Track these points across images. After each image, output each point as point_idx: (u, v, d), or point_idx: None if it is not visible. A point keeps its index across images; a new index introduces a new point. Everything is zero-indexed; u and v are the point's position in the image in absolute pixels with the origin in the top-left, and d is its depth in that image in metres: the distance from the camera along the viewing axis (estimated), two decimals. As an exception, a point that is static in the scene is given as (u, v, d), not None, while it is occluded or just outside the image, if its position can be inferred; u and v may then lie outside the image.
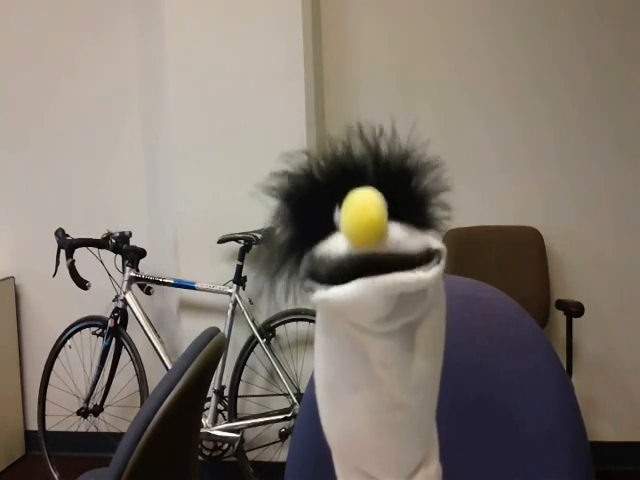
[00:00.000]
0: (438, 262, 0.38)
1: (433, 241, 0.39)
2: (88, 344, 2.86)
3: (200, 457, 2.58)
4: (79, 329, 2.65)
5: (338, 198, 0.37)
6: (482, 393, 0.77)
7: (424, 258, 0.38)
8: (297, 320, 2.52)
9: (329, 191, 0.38)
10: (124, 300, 2.58)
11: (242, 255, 2.51)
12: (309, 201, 0.39)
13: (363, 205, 0.35)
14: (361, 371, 0.42)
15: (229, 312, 2.52)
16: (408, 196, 0.38)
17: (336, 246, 0.37)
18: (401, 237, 0.37)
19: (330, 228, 0.38)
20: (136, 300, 2.58)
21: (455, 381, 0.76)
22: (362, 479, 0.45)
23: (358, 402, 0.43)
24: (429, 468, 0.46)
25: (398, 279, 0.36)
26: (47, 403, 2.72)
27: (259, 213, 2.52)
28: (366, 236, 0.35)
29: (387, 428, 0.43)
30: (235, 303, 2.52)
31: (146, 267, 2.68)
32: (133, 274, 2.58)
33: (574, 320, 2.44)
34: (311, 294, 0.38)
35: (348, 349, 0.42)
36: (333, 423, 0.45)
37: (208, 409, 2.50)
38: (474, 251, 2.58)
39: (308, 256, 0.38)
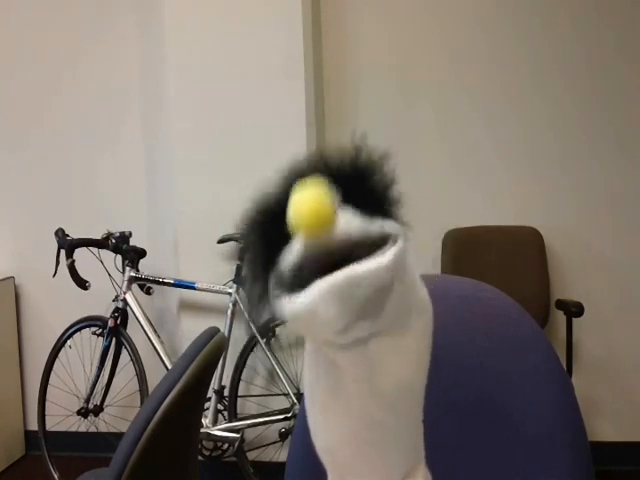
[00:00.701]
0: (394, 243, 0.37)
1: (389, 225, 0.38)
2: (88, 344, 2.86)
3: (200, 457, 2.58)
4: (79, 329, 2.65)
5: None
6: (482, 393, 0.77)
7: (380, 243, 0.37)
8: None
9: (285, 209, 0.38)
10: (124, 300, 2.58)
11: (242, 255, 2.50)
12: (269, 221, 0.39)
13: (305, 192, 0.35)
14: (336, 388, 0.41)
15: (229, 312, 2.52)
16: (362, 194, 0.39)
17: (292, 249, 0.37)
18: (352, 222, 0.36)
19: (287, 241, 0.38)
20: (136, 300, 2.58)
21: (455, 381, 0.76)
22: None
23: (336, 419, 0.42)
24: (416, 478, 0.45)
25: (351, 272, 0.35)
26: (47, 403, 2.72)
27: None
28: (313, 219, 0.35)
29: (366, 446, 0.43)
30: (235, 303, 2.52)
31: (146, 267, 2.68)
32: (133, 274, 2.58)
33: (574, 320, 2.44)
34: (280, 307, 0.37)
35: (323, 366, 0.41)
36: (316, 435, 0.45)
37: (208, 409, 2.50)
38: (474, 251, 2.58)
39: (274, 270, 0.38)
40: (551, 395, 0.75)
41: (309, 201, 0.35)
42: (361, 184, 0.39)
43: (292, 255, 0.37)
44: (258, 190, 0.41)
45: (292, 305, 0.36)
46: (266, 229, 0.39)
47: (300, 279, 0.36)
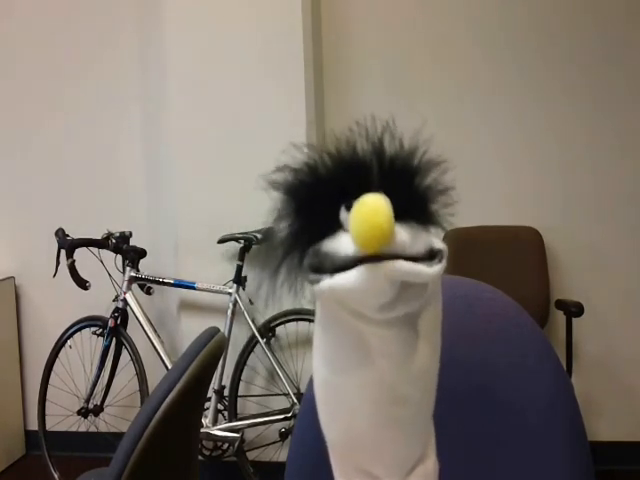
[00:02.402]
0: (440, 261, 0.39)
1: (436, 241, 0.40)
2: (88, 344, 2.86)
3: (200, 457, 2.58)
4: (79, 329, 2.65)
5: (343, 196, 0.38)
6: (482, 393, 0.77)
7: (427, 257, 0.39)
8: (297, 320, 2.52)
9: (333, 187, 0.39)
10: (124, 300, 2.58)
11: (242, 255, 2.51)
12: (313, 196, 0.39)
13: (373, 213, 0.36)
14: (363, 364, 0.42)
15: (229, 312, 2.52)
16: (412, 194, 0.39)
17: (343, 246, 0.38)
18: (407, 240, 0.38)
19: (333, 224, 0.39)
20: (136, 300, 2.58)
21: (455, 381, 0.76)
22: (361, 478, 0.45)
23: (360, 397, 0.43)
24: (427, 463, 0.46)
25: (400, 265, 0.37)
26: (47, 403, 2.72)
27: (259, 213, 2.52)
28: (375, 242, 0.36)
29: (389, 422, 0.44)
30: (235, 303, 2.52)
31: (146, 267, 2.68)
32: (133, 274, 2.59)
33: (574, 320, 2.44)
34: (315, 285, 0.38)
35: (349, 342, 0.42)
36: (333, 421, 0.45)
37: (208, 409, 2.50)
38: (474, 251, 2.58)
39: (312, 250, 0.39)
40: (550, 395, 0.76)
41: (375, 223, 0.36)
42: (411, 185, 0.40)
43: (343, 250, 0.37)
44: (306, 158, 0.41)
45: (340, 277, 0.37)
46: (310, 203, 0.39)
47: (347, 267, 0.37)
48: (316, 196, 0.39)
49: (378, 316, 0.39)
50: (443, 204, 0.40)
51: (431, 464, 0.47)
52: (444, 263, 0.39)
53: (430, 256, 0.39)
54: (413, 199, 0.39)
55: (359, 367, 0.42)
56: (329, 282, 0.37)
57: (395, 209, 0.36)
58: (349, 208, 0.37)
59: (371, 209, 0.36)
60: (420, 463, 0.46)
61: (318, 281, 0.38)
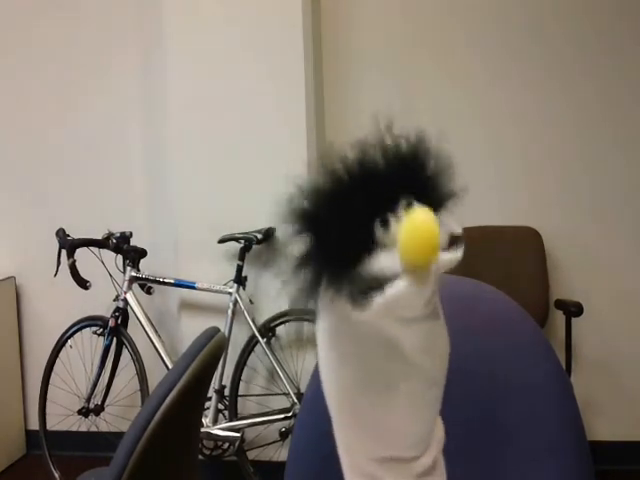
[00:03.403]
0: (460, 244, 0.40)
1: (454, 227, 0.41)
2: (89, 344, 2.87)
3: (200, 456, 2.58)
4: (80, 329, 2.65)
5: (370, 211, 0.38)
6: (481, 393, 0.77)
7: (451, 243, 0.40)
8: (297, 320, 2.53)
9: (359, 206, 0.38)
10: (125, 300, 2.58)
11: (242, 255, 2.52)
12: (341, 218, 0.38)
13: (424, 232, 0.37)
14: (393, 368, 0.43)
15: (229, 312, 2.53)
16: (427, 185, 0.40)
17: (386, 265, 0.37)
18: (442, 238, 0.39)
19: (366, 243, 0.38)
20: (137, 300, 2.58)
21: (454, 381, 0.76)
22: (381, 464, 0.46)
23: (399, 397, 0.44)
24: (438, 433, 0.48)
25: (442, 261, 0.38)
26: (48, 402, 2.72)
27: (259, 213, 2.52)
28: (428, 260, 0.37)
29: (427, 408, 0.45)
30: (235, 303, 2.52)
31: (147, 267, 2.68)
32: (134, 274, 2.59)
33: (573, 320, 2.44)
34: (364, 306, 0.38)
35: (383, 352, 0.42)
36: (365, 429, 0.45)
37: (208, 408, 2.51)
38: (474, 251, 2.58)
39: (353, 275, 0.38)
40: (550, 395, 0.76)
41: (430, 242, 0.37)
42: (424, 172, 0.40)
43: (391, 269, 0.38)
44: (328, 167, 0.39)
45: (392, 289, 0.37)
46: (334, 227, 0.38)
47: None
48: (342, 215, 0.38)
49: (424, 311, 0.40)
50: (455, 189, 0.41)
51: (440, 432, 0.48)
52: (463, 245, 0.40)
53: (452, 241, 0.40)
54: (429, 189, 0.40)
55: (389, 372, 0.43)
56: (380, 299, 0.38)
57: (413, 194, 0.37)
58: (384, 223, 0.37)
59: (424, 229, 0.37)
60: (433, 435, 0.47)
61: (368, 301, 0.38)
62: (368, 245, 0.38)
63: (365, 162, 0.39)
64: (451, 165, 0.41)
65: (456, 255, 0.39)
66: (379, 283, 0.38)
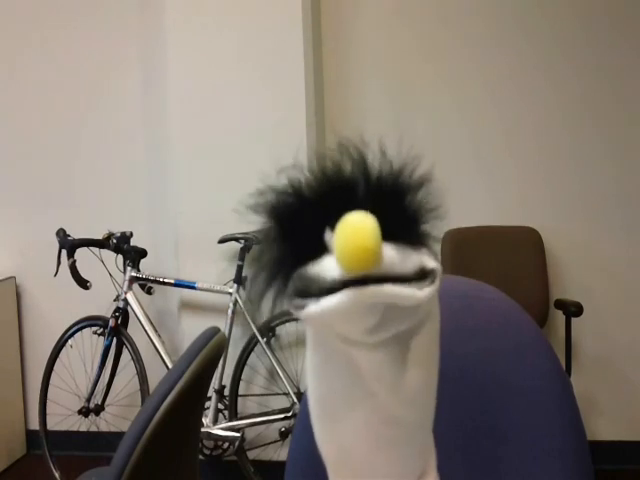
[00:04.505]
0: (432, 282, 0.38)
1: (428, 260, 0.38)
2: (89, 344, 2.87)
3: (201, 456, 2.59)
4: (80, 329, 2.65)
5: (328, 217, 0.37)
6: (480, 393, 0.77)
7: (418, 277, 0.37)
8: (297, 320, 2.52)
9: (318, 209, 0.37)
10: (125, 300, 2.58)
11: (242, 255, 2.52)
12: (297, 219, 0.38)
13: (357, 233, 0.34)
14: (354, 387, 0.41)
15: (229, 312, 2.53)
16: (400, 214, 0.38)
17: (328, 269, 0.36)
18: (395, 259, 0.36)
19: (319, 246, 0.37)
20: (137, 300, 2.59)
21: (453, 381, 0.77)
22: None
23: (353, 418, 0.42)
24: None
25: (388, 289, 0.35)
26: (48, 402, 2.72)
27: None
28: (361, 264, 0.34)
29: (383, 443, 0.43)
30: (235, 303, 2.52)
31: (147, 267, 2.69)
32: (134, 274, 2.59)
33: (573, 320, 2.44)
34: (300, 311, 0.37)
35: (340, 365, 0.41)
36: (327, 440, 0.45)
37: (209, 408, 2.51)
38: (474, 251, 2.58)
39: (297, 275, 0.37)
40: (550, 395, 0.76)
41: (360, 243, 0.34)
42: (400, 205, 0.38)
43: (329, 273, 0.36)
44: (287, 179, 0.39)
45: (325, 302, 0.36)
46: (295, 226, 0.38)
47: (333, 290, 0.36)
48: (301, 218, 0.38)
49: (366, 339, 0.38)
50: (432, 223, 0.39)
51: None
52: (437, 284, 0.38)
53: (421, 276, 0.37)
54: (402, 219, 0.38)
55: (350, 390, 0.41)
56: (314, 307, 0.36)
57: (383, 229, 0.35)
58: (334, 229, 0.35)
59: (355, 229, 0.34)
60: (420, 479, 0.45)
61: (303, 306, 0.37)
62: (317, 250, 0.37)
63: (333, 173, 0.38)
64: (432, 198, 0.39)
65: (419, 293, 0.36)
66: (319, 290, 0.36)
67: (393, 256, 0.36)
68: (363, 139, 0.40)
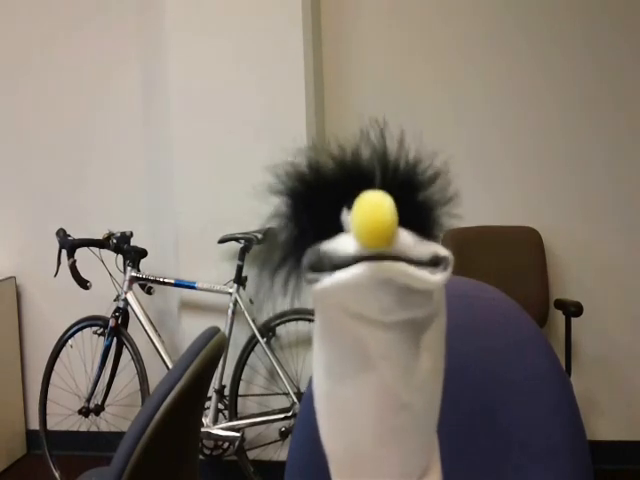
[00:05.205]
0: (445, 269, 0.38)
1: (440, 249, 0.39)
2: (89, 344, 2.87)
3: (201, 456, 2.59)
4: (80, 329, 2.65)
5: (345, 199, 0.38)
6: (480, 393, 0.77)
7: (431, 264, 0.38)
8: (297, 320, 2.53)
9: (336, 191, 0.38)
10: (125, 300, 2.58)
11: (242, 255, 2.52)
12: (314, 199, 0.39)
13: (375, 207, 0.35)
14: (363, 368, 0.41)
15: (229, 312, 2.53)
16: (414, 205, 0.39)
17: (343, 245, 0.37)
18: (410, 243, 0.37)
19: (335, 228, 0.38)
20: (137, 300, 2.59)
21: (453, 381, 0.77)
22: None
23: (362, 404, 0.42)
24: (430, 477, 0.46)
25: (403, 267, 0.36)
26: (48, 402, 2.73)
27: (259, 213, 2.52)
28: (377, 238, 0.35)
29: (391, 432, 0.43)
30: (235, 303, 2.52)
31: (147, 267, 2.69)
32: (134, 274, 2.59)
33: (573, 320, 2.44)
34: (314, 284, 0.37)
35: (349, 346, 0.41)
36: (335, 434, 0.45)
37: (209, 408, 2.51)
38: (474, 251, 2.58)
39: (312, 250, 0.38)
40: (550, 395, 0.76)
41: (378, 217, 0.35)
42: (414, 196, 0.39)
43: (344, 249, 0.37)
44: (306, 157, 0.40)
45: (340, 275, 0.36)
46: (311, 206, 0.39)
47: (347, 265, 0.36)
48: (317, 199, 0.39)
49: (381, 318, 0.38)
50: (445, 215, 0.40)
51: (436, 477, 0.46)
52: (449, 271, 0.38)
53: (434, 263, 0.38)
54: (416, 209, 0.39)
55: (359, 371, 0.41)
56: (328, 280, 0.36)
57: (398, 216, 0.36)
58: (351, 208, 0.36)
59: (373, 204, 0.35)
60: (424, 477, 0.45)
61: (317, 280, 0.37)
62: (334, 230, 0.38)
63: (352, 158, 0.39)
64: (446, 190, 0.39)
65: (433, 277, 0.37)
66: (334, 265, 0.37)
67: (408, 240, 0.37)
68: (382, 127, 0.41)
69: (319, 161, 0.40)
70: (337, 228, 0.38)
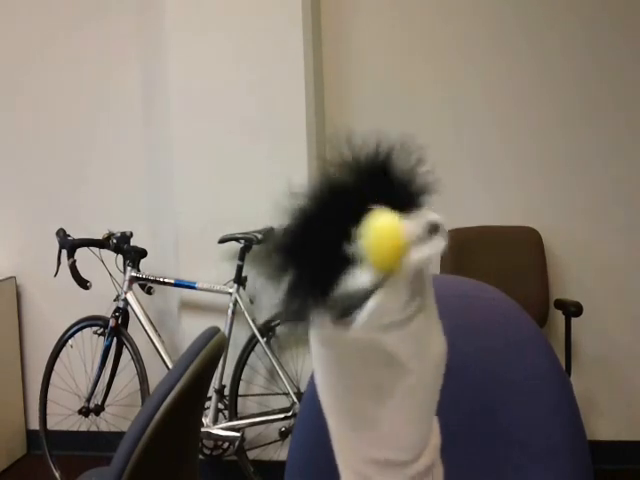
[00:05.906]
0: (443, 232, 0.40)
1: (431, 215, 0.40)
2: (89, 344, 2.87)
3: (201, 456, 2.59)
4: (80, 329, 2.65)
5: (342, 229, 0.38)
6: (480, 393, 0.77)
7: (431, 233, 0.39)
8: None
9: (330, 226, 0.38)
10: (125, 300, 2.58)
11: (242, 255, 2.52)
12: (312, 240, 0.39)
13: (390, 235, 0.36)
14: (386, 371, 0.43)
15: (229, 312, 2.53)
16: (393, 183, 0.39)
17: (359, 282, 0.37)
18: (415, 230, 0.38)
19: (335, 259, 0.38)
20: (137, 300, 2.59)
21: (453, 380, 0.77)
22: (371, 468, 0.46)
23: (389, 400, 0.44)
24: (432, 439, 0.48)
25: (413, 260, 0.37)
26: (48, 402, 2.73)
27: (259, 213, 2.52)
28: (396, 265, 0.36)
29: (418, 410, 0.45)
30: (235, 303, 2.52)
31: (147, 267, 2.68)
32: (134, 274, 2.59)
33: (573, 320, 2.44)
34: (351, 327, 0.38)
35: (368, 357, 0.42)
36: (348, 419, 0.46)
37: (209, 408, 2.51)
38: (474, 251, 2.58)
39: (333, 299, 0.38)
40: (550, 395, 0.76)
41: (391, 239, 0.36)
42: (391, 177, 0.40)
43: (362, 285, 0.37)
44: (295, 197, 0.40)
45: (370, 302, 0.37)
46: (309, 253, 0.39)
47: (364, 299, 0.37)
48: (314, 240, 0.38)
49: (401, 315, 0.40)
50: (423, 179, 0.40)
51: (436, 439, 0.48)
52: (446, 233, 0.40)
53: (432, 231, 0.39)
54: (397, 187, 0.39)
55: (390, 382, 0.43)
56: (364, 313, 0.37)
57: (390, 205, 0.36)
58: (352, 237, 0.37)
59: (385, 231, 0.36)
60: (428, 440, 0.47)
61: (352, 322, 0.38)
62: (343, 263, 0.38)
63: (329, 182, 0.40)
64: (420, 161, 0.40)
65: (436, 247, 0.38)
66: (359, 299, 0.37)
67: (412, 229, 0.38)
68: (346, 138, 0.41)
69: (301, 207, 0.39)
70: (340, 259, 0.38)
